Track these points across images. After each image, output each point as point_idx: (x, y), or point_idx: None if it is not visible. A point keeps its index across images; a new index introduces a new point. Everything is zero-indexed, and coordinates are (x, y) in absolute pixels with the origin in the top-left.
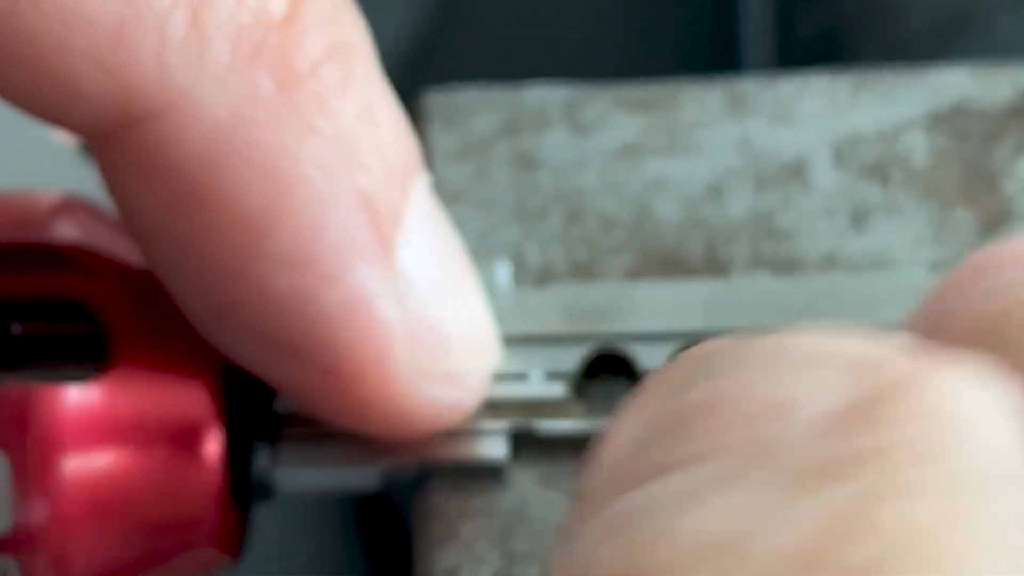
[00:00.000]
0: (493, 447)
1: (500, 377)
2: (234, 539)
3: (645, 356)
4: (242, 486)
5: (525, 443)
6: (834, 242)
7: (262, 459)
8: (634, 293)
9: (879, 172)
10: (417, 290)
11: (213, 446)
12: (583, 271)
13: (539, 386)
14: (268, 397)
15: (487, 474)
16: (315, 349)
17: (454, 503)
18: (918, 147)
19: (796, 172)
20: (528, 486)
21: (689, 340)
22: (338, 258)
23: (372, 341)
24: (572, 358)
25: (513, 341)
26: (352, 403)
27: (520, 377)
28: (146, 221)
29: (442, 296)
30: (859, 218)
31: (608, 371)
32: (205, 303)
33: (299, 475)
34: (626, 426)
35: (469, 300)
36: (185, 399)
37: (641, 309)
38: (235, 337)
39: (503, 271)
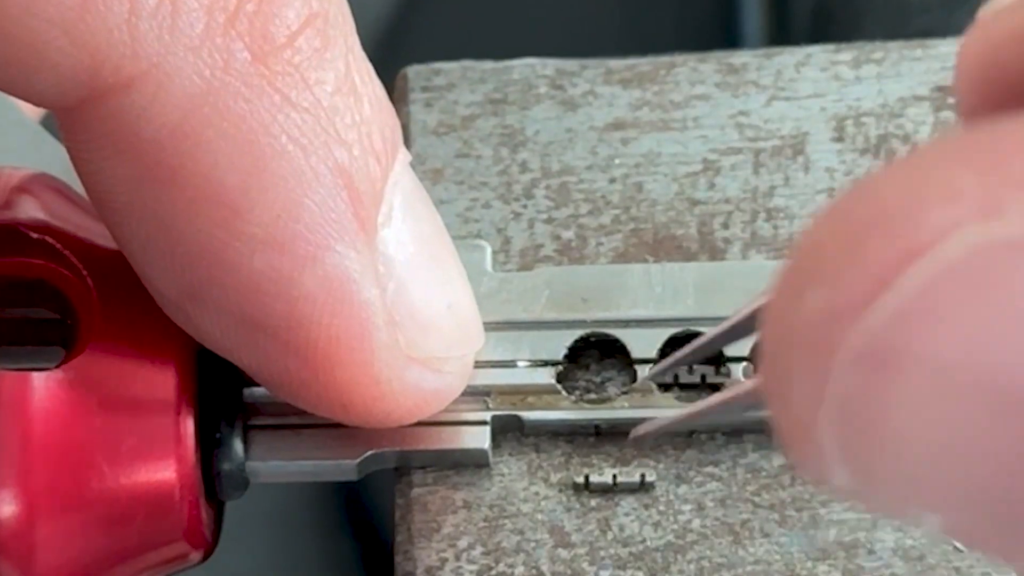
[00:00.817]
0: (477, 437)
1: (484, 364)
2: (206, 533)
3: (636, 342)
4: (214, 476)
5: (511, 433)
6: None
7: (235, 448)
8: (624, 276)
9: (883, 149)
10: (398, 271)
11: (184, 435)
12: (571, 253)
13: (525, 373)
14: (240, 383)
15: (471, 465)
16: (291, 332)
17: (436, 496)
18: (924, 123)
19: (796, 149)
20: (514, 478)
21: (682, 325)
22: (316, 237)
23: (351, 324)
24: (560, 344)
25: (498, 326)
26: (330, 389)
27: (505, 364)
28: (115, 198)
29: (424, 278)
30: None
31: (597, 357)
32: (176, 284)
33: (273, 466)
34: None
35: (452, 282)
36: (155, 385)
37: (632, 293)
38: (207, 320)
39: (487, 253)
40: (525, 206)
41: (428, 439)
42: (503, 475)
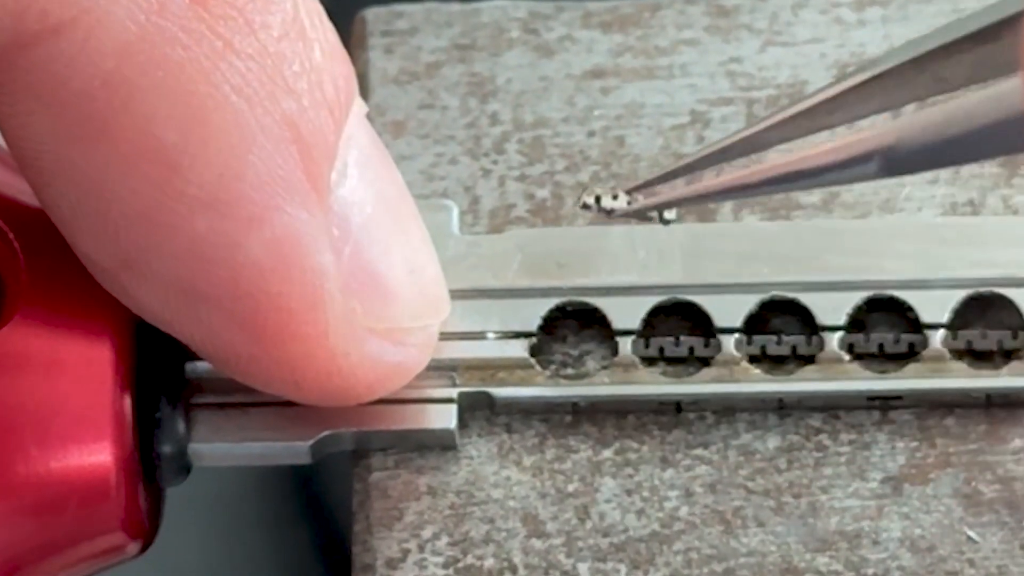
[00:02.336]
0: (443, 416)
1: (451, 335)
2: (145, 522)
3: (617, 311)
4: (153, 460)
5: (480, 412)
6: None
7: (177, 429)
8: (605, 239)
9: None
10: (354, 234)
11: (121, 414)
12: (546, 213)
13: (496, 346)
14: (182, 358)
15: (436, 447)
16: (237, 302)
17: (397, 482)
18: None
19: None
20: (483, 461)
21: (667, 293)
22: (263, 197)
23: (303, 292)
24: (533, 314)
25: (466, 294)
26: (280, 365)
27: (474, 336)
28: (41, 156)
29: (383, 241)
30: None
31: (575, 328)
32: (109, 251)
33: (218, 448)
34: None
35: (414, 246)
36: (89, 360)
37: (612, 258)
38: (144, 290)
39: (453, 214)
40: (496, 162)
41: (389, 418)
42: (471, 458)
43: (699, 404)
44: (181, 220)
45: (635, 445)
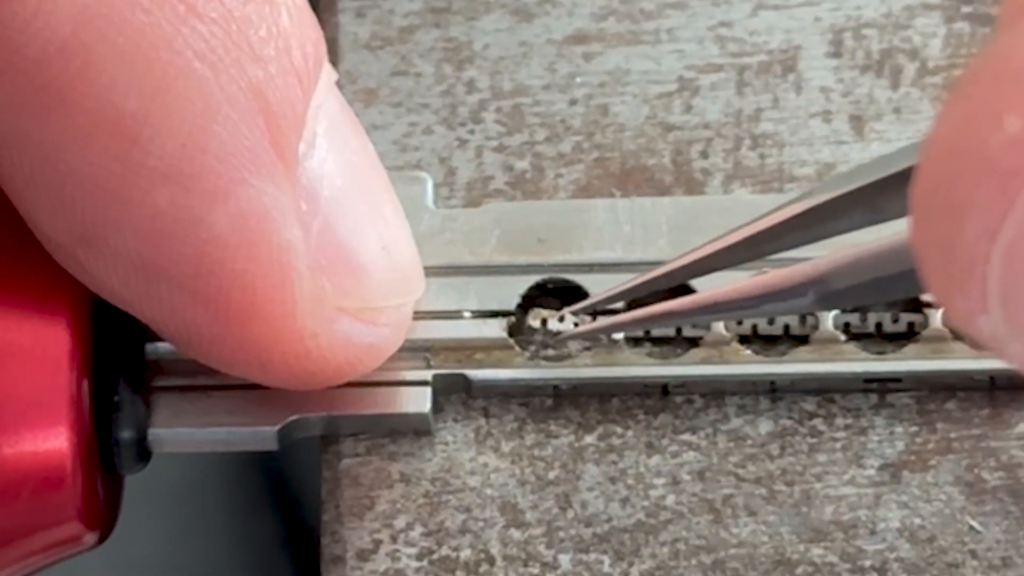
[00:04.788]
0: (417, 400)
1: (425, 315)
2: (102, 511)
3: (600, 289)
4: (112, 446)
5: (455, 395)
6: (831, 151)
7: (136, 413)
8: (587, 213)
9: (887, 66)
10: (323, 208)
11: (78, 397)
12: (525, 186)
13: (472, 326)
14: (141, 339)
15: (410, 433)
16: (200, 280)
17: (368, 469)
18: (934, 35)
19: (786, 66)
20: (459, 447)
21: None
22: (228, 169)
23: (269, 269)
24: (512, 292)
25: (441, 271)
26: (246, 346)
27: (450, 315)
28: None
29: (354, 215)
30: (862, 122)
31: (556, 307)
32: (66, 224)
33: (180, 434)
34: None
35: (387, 220)
36: (44, 340)
37: (596, 232)
38: (102, 267)
39: (428, 186)
40: (472, 132)
41: (360, 402)
42: (446, 444)
43: (687, 387)
44: (141, 193)
45: (619, 430)
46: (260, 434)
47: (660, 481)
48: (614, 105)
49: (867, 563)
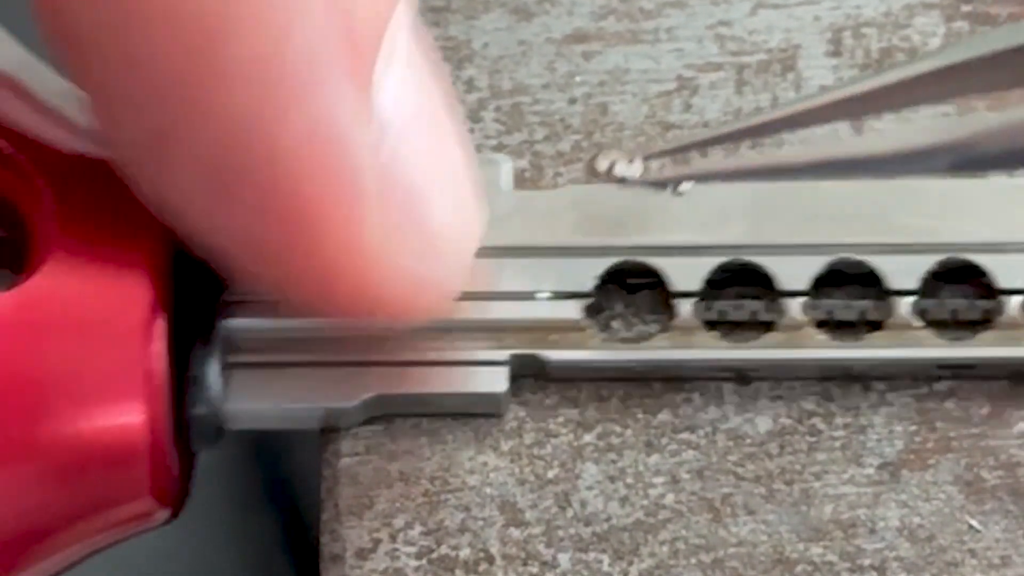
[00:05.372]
0: (493, 380)
1: (499, 295)
2: (175, 487)
3: (677, 273)
4: (186, 422)
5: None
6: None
7: (212, 388)
8: (663, 197)
9: (886, 64)
10: (394, 137)
11: (154, 372)
12: (525, 186)
13: (547, 307)
14: (215, 314)
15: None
16: (271, 185)
17: (368, 467)
18: (934, 34)
19: (785, 65)
20: (458, 446)
21: (730, 254)
22: (305, 73)
23: (340, 181)
24: (588, 274)
25: (517, 252)
26: (312, 265)
27: (524, 296)
28: (82, 34)
29: (424, 149)
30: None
31: (630, 288)
32: (143, 128)
33: (257, 409)
34: None
35: (454, 158)
36: (122, 314)
37: (672, 216)
38: (172, 172)
39: (505, 168)
40: (472, 130)
41: (436, 380)
42: (445, 443)
43: (761, 372)
44: (218, 94)
45: (618, 429)
46: (336, 412)
47: (659, 480)
48: (613, 104)
49: (866, 562)
